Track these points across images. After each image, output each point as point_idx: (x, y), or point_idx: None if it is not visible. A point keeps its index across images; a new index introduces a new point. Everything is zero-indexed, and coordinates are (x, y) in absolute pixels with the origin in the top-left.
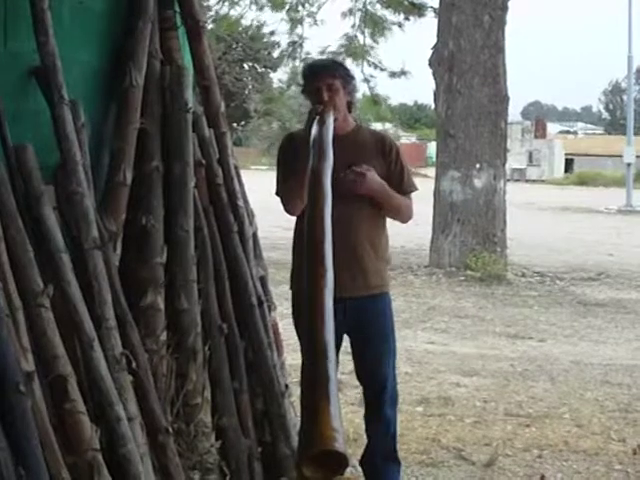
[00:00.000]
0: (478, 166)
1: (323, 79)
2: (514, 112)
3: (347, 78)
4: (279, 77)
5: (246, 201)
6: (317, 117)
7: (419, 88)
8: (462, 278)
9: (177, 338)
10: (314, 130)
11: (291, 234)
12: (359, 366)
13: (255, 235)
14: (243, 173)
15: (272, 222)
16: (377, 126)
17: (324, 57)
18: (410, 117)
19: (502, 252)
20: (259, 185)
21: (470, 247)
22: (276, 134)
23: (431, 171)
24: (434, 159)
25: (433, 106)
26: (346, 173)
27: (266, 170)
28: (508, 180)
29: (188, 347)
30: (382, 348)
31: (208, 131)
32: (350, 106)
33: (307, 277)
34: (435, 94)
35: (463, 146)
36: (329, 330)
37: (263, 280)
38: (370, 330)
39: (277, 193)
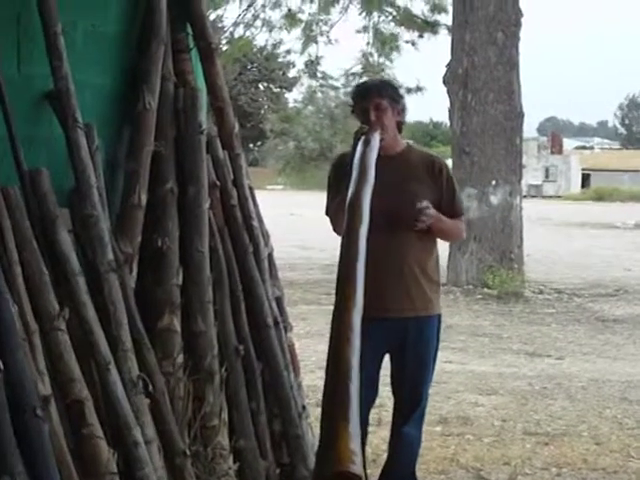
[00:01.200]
0: (494, 183)
1: (371, 99)
2: (530, 128)
3: (395, 97)
4: (294, 97)
5: (261, 221)
6: (362, 137)
7: (434, 105)
8: (479, 296)
9: (194, 360)
10: (358, 150)
11: (309, 254)
12: (395, 384)
13: (271, 256)
14: (259, 193)
15: (291, 242)
16: None
17: (371, 78)
18: (425, 134)
19: (519, 269)
20: (275, 204)
21: (487, 264)
22: (291, 154)
23: None
24: None
25: (448, 123)
26: (415, 210)
27: (281, 190)
28: (524, 196)
29: (205, 369)
30: (420, 373)
31: (222, 152)
32: (400, 126)
33: (336, 297)
34: (450, 111)
35: (479, 163)
36: (354, 352)
37: (279, 300)
38: (411, 353)
39: (326, 213)
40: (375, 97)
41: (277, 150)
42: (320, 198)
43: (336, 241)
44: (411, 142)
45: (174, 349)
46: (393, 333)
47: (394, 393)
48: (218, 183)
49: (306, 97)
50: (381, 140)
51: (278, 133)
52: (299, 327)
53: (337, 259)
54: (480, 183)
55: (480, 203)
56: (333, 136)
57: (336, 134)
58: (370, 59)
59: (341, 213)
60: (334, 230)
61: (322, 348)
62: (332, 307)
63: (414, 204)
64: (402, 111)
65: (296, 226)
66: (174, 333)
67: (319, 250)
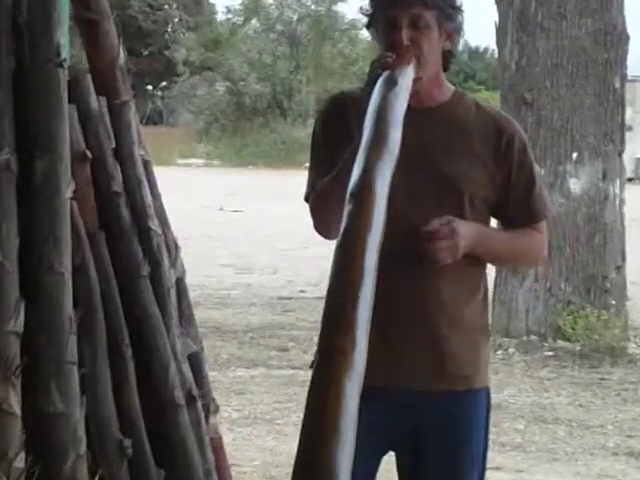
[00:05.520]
0: (575, 156)
1: (405, 6)
2: (636, 63)
3: (447, 9)
4: (227, 2)
5: (165, 223)
6: (384, 74)
7: (471, 22)
8: (549, 353)
9: (45, 463)
10: (376, 95)
11: (251, 279)
12: None
13: (181, 282)
14: (165, 171)
15: (219, 258)
16: None
17: None
18: (458, 70)
19: (619, 307)
20: (192, 192)
21: (563, 298)
22: (221, 103)
23: None
24: None
25: (496, 52)
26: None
27: (203, 166)
28: (629, 180)
29: (64, 477)
30: None
31: (96, 101)
32: (448, 59)
33: (318, 351)
34: (499, 31)
35: (549, 121)
36: (343, 450)
37: (196, 360)
38: (438, 453)
39: (307, 198)
40: (413, 5)
41: (196, 97)
42: (274, 180)
43: (308, 256)
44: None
45: (10, 444)
46: (408, 417)
47: None
48: (89, 154)
49: (248, 3)
50: (416, 81)
51: (198, 67)
52: (232, 407)
53: (303, 287)
54: (551, 157)
55: (551, 191)
56: (297, 73)
57: (302, 69)
58: None
59: (334, 202)
60: (317, 229)
61: (271, 444)
62: (290, 372)
63: (458, 201)
64: (456, 33)
65: (230, 230)
66: (10, 417)
67: (269, 272)
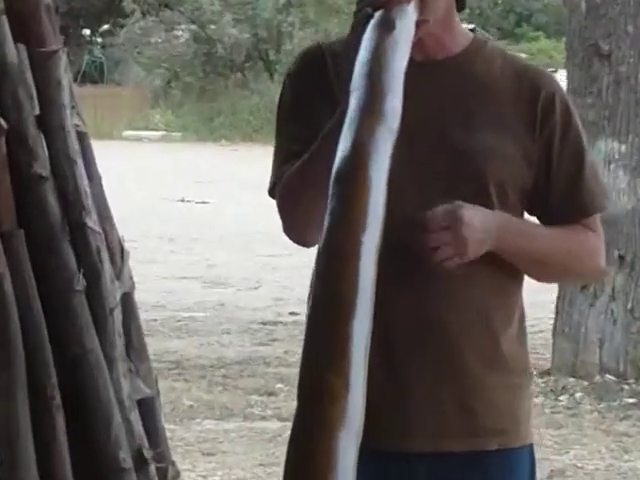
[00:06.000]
0: None
1: None
2: None
3: None
4: None
5: (108, 219)
6: (376, 15)
7: None
8: (631, 400)
9: None
10: (366, 46)
11: (224, 296)
12: None
13: (129, 300)
14: (110, 147)
15: (182, 268)
16: None
17: None
18: (504, 13)
19: None
20: (146, 177)
21: None
22: (186, 52)
23: None
24: None
25: None
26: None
27: (160, 141)
28: None
29: None
30: None
31: (14, 50)
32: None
33: (299, 395)
34: None
35: (632, 79)
36: None
37: (148, 407)
38: None
39: (271, 191)
40: None
41: (150, 46)
42: (254, 160)
43: (300, 264)
44: (481, 34)
45: None
46: None
47: None
48: (4, 123)
49: None
50: (419, 24)
51: (152, 5)
52: (197, 473)
53: (294, 308)
54: (635, 129)
55: (635, 177)
56: (287, 13)
57: (293, 7)
58: None
59: (312, 192)
60: (289, 233)
61: None
62: (277, 425)
63: (479, 189)
64: None
65: (195, 229)
66: None
67: (249, 287)
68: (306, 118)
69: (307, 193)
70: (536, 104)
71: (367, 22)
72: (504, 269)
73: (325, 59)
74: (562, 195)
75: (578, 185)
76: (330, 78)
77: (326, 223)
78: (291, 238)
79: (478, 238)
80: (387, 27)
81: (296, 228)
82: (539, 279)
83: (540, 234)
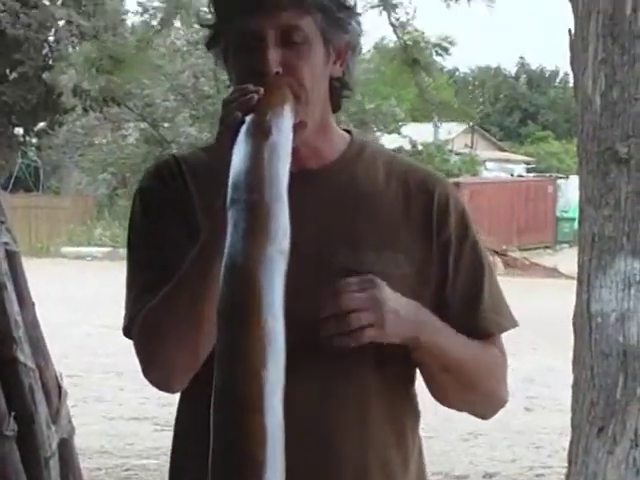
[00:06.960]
0: None
1: (271, 12)
2: None
3: (334, 12)
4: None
5: (42, 353)
6: (247, 119)
7: (533, 38)
8: None
9: None
10: (239, 152)
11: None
12: None
13: (67, 446)
14: (42, 269)
15: (130, 404)
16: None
17: None
18: (511, 106)
19: None
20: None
21: None
22: (137, 154)
23: (567, 258)
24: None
25: (570, 78)
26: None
27: (106, 259)
28: None
29: None
30: None
31: None
32: (339, 93)
33: None
34: (574, 44)
35: None
36: None
37: None
38: None
39: (127, 329)
40: (286, 7)
41: (93, 148)
42: None
43: None
44: (359, 135)
45: None
46: None
47: None
48: None
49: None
50: (297, 128)
51: (96, 100)
52: None
53: None
54: None
55: None
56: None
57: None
58: None
59: (179, 325)
60: (149, 376)
61: None
62: None
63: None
64: (350, 50)
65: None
66: None
67: None
68: (160, 241)
69: (173, 327)
70: (430, 209)
71: (239, 127)
72: (400, 377)
73: (182, 171)
74: (459, 319)
75: (476, 308)
76: (189, 192)
77: (218, 349)
78: (152, 381)
79: (397, 309)
80: (263, 133)
81: (160, 369)
82: (446, 394)
83: (454, 333)
